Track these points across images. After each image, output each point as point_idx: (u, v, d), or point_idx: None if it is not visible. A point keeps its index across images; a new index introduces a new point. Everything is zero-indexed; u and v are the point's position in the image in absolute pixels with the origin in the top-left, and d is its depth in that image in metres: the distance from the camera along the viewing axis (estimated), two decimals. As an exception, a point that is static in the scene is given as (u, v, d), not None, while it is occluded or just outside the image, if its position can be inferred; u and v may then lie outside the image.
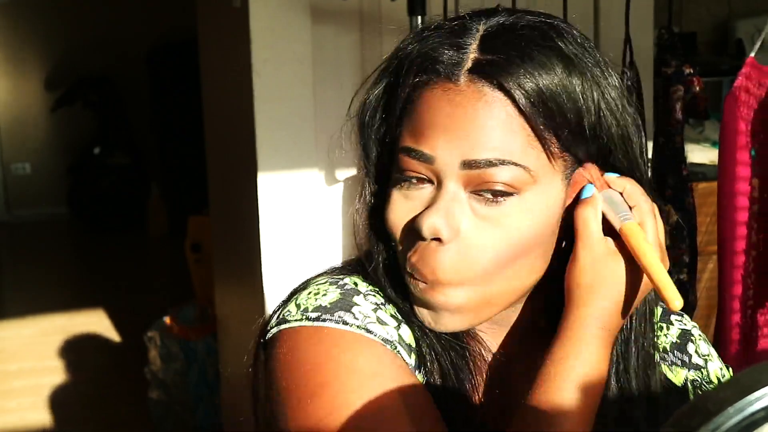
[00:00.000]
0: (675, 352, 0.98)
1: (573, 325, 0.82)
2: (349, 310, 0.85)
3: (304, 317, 0.85)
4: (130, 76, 6.91)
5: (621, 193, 0.86)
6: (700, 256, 2.68)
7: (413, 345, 0.88)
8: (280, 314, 0.88)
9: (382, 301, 0.89)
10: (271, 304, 2.40)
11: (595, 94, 0.84)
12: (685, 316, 1.02)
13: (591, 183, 0.86)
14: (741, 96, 1.85)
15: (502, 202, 0.83)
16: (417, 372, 0.87)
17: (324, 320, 0.84)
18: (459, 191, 0.83)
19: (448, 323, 0.86)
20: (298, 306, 0.87)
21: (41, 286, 5.63)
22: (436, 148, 0.82)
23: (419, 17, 2.01)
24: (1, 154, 7.19)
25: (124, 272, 5.85)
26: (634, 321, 0.91)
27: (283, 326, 0.86)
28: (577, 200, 0.86)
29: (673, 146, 2.12)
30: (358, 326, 0.84)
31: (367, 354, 0.83)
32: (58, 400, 4.03)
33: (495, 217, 0.83)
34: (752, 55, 1.89)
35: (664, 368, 0.97)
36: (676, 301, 0.78)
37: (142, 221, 6.68)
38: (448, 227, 0.82)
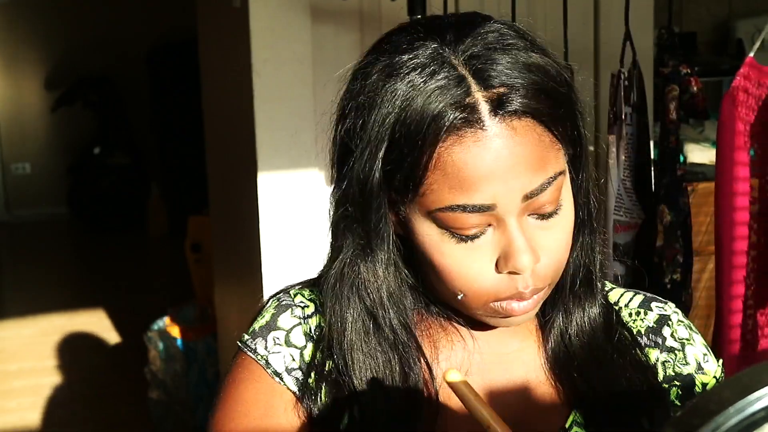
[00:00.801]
0: (650, 335, 1.01)
1: None
2: (265, 337, 0.96)
3: (242, 339, 0.98)
4: (130, 76, 6.91)
5: None
6: (701, 255, 2.68)
7: (311, 360, 0.95)
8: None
9: (308, 314, 0.97)
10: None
11: (571, 84, 0.89)
12: (669, 303, 1.04)
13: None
14: (739, 96, 1.85)
15: (555, 213, 0.88)
16: (314, 389, 0.94)
17: (246, 345, 0.97)
18: (521, 220, 0.86)
19: (524, 321, 0.93)
20: (250, 327, 0.99)
21: (41, 286, 5.63)
22: (495, 195, 0.84)
23: (419, 17, 2.01)
24: (1, 154, 7.20)
25: (124, 272, 5.85)
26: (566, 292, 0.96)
27: (239, 342, 0.99)
28: None
29: (667, 146, 2.12)
30: (261, 356, 0.95)
31: (255, 387, 0.95)
32: (58, 400, 4.03)
33: (554, 224, 0.88)
34: (751, 55, 1.89)
35: (638, 350, 1.00)
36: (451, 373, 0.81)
37: (142, 221, 6.68)
38: (536, 254, 0.87)
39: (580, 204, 0.93)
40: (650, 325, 1.01)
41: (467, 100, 0.83)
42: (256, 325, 0.98)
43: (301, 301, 0.98)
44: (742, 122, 1.86)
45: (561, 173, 0.87)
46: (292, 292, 0.99)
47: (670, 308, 1.03)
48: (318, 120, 2.53)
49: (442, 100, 0.83)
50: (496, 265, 0.87)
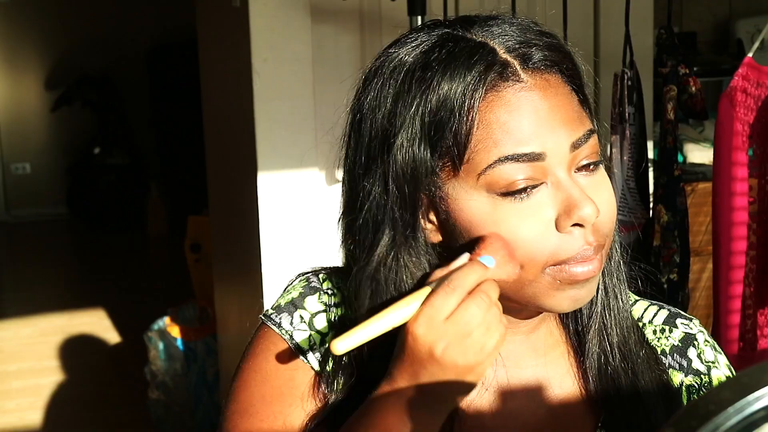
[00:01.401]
0: (675, 355, 0.98)
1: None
2: (292, 313, 0.95)
3: (266, 313, 0.96)
4: (129, 75, 6.90)
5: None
6: (701, 255, 2.68)
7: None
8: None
9: (334, 302, 0.95)
10: (270, 304, 2.40)
11: (579, 58, 0.92)
12: (694, 320, 1.01)
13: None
14: (737, 97, 1.85)
15: (597, 169, 0.88)
16: (331, 376, 0.92)
17: (270, 319, 0.95)
18: (570, 174, 0.85)
19: (589, 294, 0.88)
20: (276, 301, 0.98)
21: (41, 286, 5.63)
22: (544, 142, 0.84)
23: (419, 17, 2.01)
24: (1, 154, 7.19)
25: (124, 272, 5.85)
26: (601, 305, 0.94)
27: (263, 315, 0.97)
28: None
29: (665, 146, 2.12)
30: (286, 331, 0.94)
31: (277, 359, 0.94)
32: (58, 400, 4.02)
33: (598, 183, 0.87)
34: (750, 55, 1.89)
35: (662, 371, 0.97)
36: (338, 344, 0.80)
37: (142, 221, 6.68)
38: (596, 206, 0.85)
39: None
40: (675, 344, 0.98)
41: (497, 58, 0.85)
42: (282, 301, 0.96)
43: (329, 288, 0.96)
44: (740, 123, 1.86)
45: (595, 131, 0.88)
46: (321, 276, 0.98)
47: (695, 326, 1.00)
48: (318, 119, 2.54)
49: (473, 65, 0.84)
50: (557, 223, 0.84)
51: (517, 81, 0.84)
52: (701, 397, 0.57)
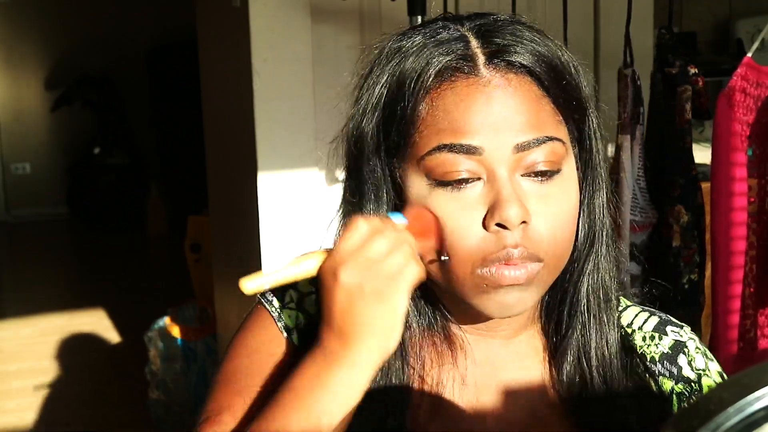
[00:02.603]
0: (664, 362, 0.96)
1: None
2: (284, 292, 0.97)
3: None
4: (129, 75, 6.91)
5: None
6: (702, 255, 2.68)
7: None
8: None
9: None
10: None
11: (579, 72, 0.89)
12: (685, 327, 1.00)
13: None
14: (736, 97, 1.85)
15: (549, 181, 0.85)
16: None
17: (264, 296, 0.98)
18: (512, 176, 0.84)
19: (527, 302, 0.86)
20: None
21: (41, 286, 5.63)
22: (483, 138, 0.83)
23: (419, 17, 2.01)
24: (1, 154, 7.19)
25: (124, 272, 5.85)
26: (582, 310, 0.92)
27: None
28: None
29: (683, 146, 2.12)
30: (275, 309, 0.97)
31: (263, 335, 0.96)
32: (58, 400, 4.02)
33: (549, 195, 0.85)
34: (749, 55, 1.88)
35: (650, 379, 0.96)
36: (246, 283, 0.82)
37: (142, 221, 6.68)
38: (526, 211, 0.83)
39: (591, 218, 0.91)
40: (665, 352, 0.97)
41: (465, 51, 0.85)
42: None
43: None
44: (738, 123, 1.85)
45: (559, 141, 0.85)
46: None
47: (686, 333, 0.99)
48: (318, 119, 2.54)
49: (440, 52, 0.85)
50: (484, 221, 0.84)
51: (474, 75, 0.84)
52: (701, 397, 0.57)
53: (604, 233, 0.92)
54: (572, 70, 0.88)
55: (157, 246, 6.47)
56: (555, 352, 0.94)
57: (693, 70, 2.07)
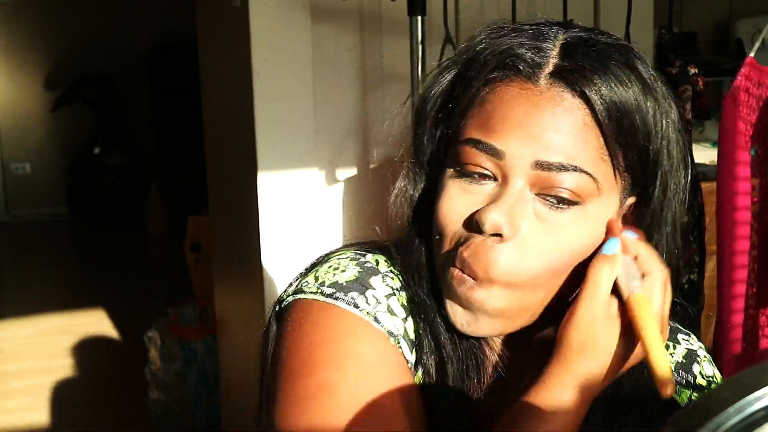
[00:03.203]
0: (680, 371, 0.97)
1: (553, 380, 0.80)
2: (363, 293, 0.85)
3: (319, 291, 0.85)
4: (129, 75, 6.90)
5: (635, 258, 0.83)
6: (702, 255, 2.68)
7: (415, 340, 0.87)
8: (297, 284, 0.89)
9: (399, 286, 0.88)
10: (270, 305, 2.40)
11: (664, 122, 0.85)
12: (692, 335, 1.00)
13: (617, 237, 0.83)
14: (740, 96, 1.85)
15: (565, 209, 0.82)
16: (415, 369, 0.87)
17: (337, 298, 0.84)
18: (525, 191, 0.82)
19: (483, 327, 0.85)
20: (316, 278, 0.87)
21: (41, 286, 5.63)
22: (509, 143, 0.82)
23: (419, 17, 2.01)
24: (1, 154, 7.19)
25: (124, 272, 5.85)
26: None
27: (298, 296, 0.86)
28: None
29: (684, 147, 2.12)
30: (367, 312, 0.84)
31: (368, 344, 0.83)
32: (58, 400, 4.02)
33: (556, 223, 0.82)
34: (751, 55, 1.88)
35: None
36: (667, 387, 0.74)
37: (142, 221, 6.68)
38: (510, 225, 0.82)
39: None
40: (680, 361, 0.97)
41: (540, 58, 0.83)
42: (339, 278, 0.86)
43: (386, 271, 0.89)
44: (743, 122, 1.86)
45: (588, 175, 0.82)
46: (370, 257, 0.90)
47: (695, 341, 0.99)
48: (318, 119, 2.54)
49: (519, 47, 0.84)
50: (471, 214, 0.84)
51: (532, 81, 0.82)
52: (701, 397, 0.57)
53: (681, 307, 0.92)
54: (649, 118, 0.83)
55: (157, 246, 6.47)
56: None
57: (693, 70, 2.07)
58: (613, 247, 0.82)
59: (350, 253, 0.90)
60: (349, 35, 2.46)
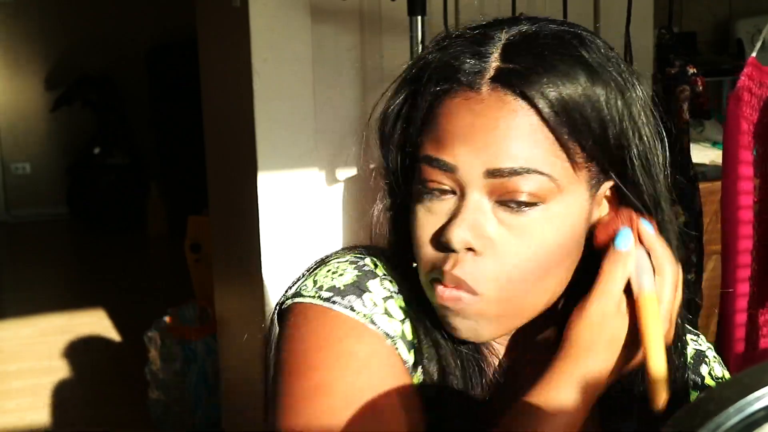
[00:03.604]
0: (687, 372, 0.96)
1: (558, 377, 0.80)
2: (360, 296, 0.86)
3: (317, 295, 0.87)
4: (129, 75, 6.90)
5: (649, 254, 0.82)
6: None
7: (414, 341, 0.87)
8: (296, 287, 0.90)
9: (396, 289, 0.89)
10: (271, 305, 2.40)
11: (619, 103, 0.83)
12: (701, 335, 1.00)
13: (629, 228, 0.82)
14: (744, 96, 1.85)
15: (527, 212, 0.82)
16: (413, 370, 0.87)
17: (334, 302, 0.85)
18: (482, 201, 0.82)
19: (482, 333, 0.85)
20: (315, 282, 0.88)
21: (41, 286, 5.63)
22: (458, 157, 0.82)
23: (419, 17, 2.01)
24: (1, 154, 7.19)
25: (124, 272, 5.85)
26: None
27: (297, 299, 0.88)
28: (606, 233, 0.84)
29: (680, 146, 2.12)
30: (364, 315, 0.85)
31: (363, 345, 0.84)
32: (58, 400, 4.02)
33: (521, 227, 0.82)
34: (753, 55, 1.89)
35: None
36: (660, 397, 0.74)
37: (142, 221, 6.68)
38: (476, 237, 0.82)
39: None
40: (689, 361, 0.96)
41: (481, 64, 0.83)
42: (336, 282, 0.87)
43: (384, 274, 0.90)
44: (746, 121, 1.86)
45: (543, 175, 0.81)
46: (369, 260, 0.91)
47: (703, 342, 0.99)
48: (318, 119, 2.54)
49: (460, 58, 0.84)
50: (436, 235, 0.84)
51: (474, 90, 0.82)
52: (701, 397, 0.57)
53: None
54: (602, 105, 0.82)
55: (157, 246, 6.47)
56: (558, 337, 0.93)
57: (692, 70, 2.07)
58: (626, 242, 0.81)
59: (349, 257, 0.91)
60: (349, 35, 2.46)
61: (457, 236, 0.81)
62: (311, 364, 0.83)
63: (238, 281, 2.88)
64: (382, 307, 0.86)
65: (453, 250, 0.82)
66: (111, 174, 6.72)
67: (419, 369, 0.87)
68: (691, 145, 3.18)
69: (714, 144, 3.24)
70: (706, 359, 0.98)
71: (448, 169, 0.82)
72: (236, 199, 2.72)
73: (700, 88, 2.08)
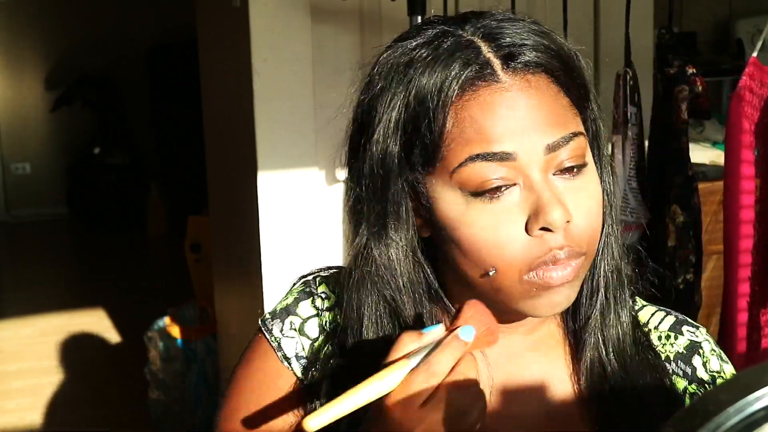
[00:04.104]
0: (678, 362, 0.97)
1: None
2: (284, 319, 0.97)
3: (263, 318, 0.98)
4: (129, 75, 6.90)
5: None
6: (702, 255, 2.68)
7: (320, 354, 0.95)
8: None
9: (329, 306, 0.96)
10: (270, 304, 2.40)
11: (580, 58, 0.89)
12: (701, 328, 1.00)
13: (472, 327, 0.81)
14: (745, 95, 1.85)
15: (580, 174, 0.86)
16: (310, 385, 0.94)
17: (264, 324, 0.98)
18: (546, 177, 0.84)
19: (571, 299, 0.87)
20: (275, 305, 1.00)
21: (40, 286, 5.63)
22: (516, 142, 0.83)
23: (419, 17, 2.01)
24: (1, 154, 7.19)
25: (124, 272, 5.85)
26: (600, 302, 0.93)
27: (260, 320, 0.99)
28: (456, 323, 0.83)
29: (679, 146, 2.11)
30: (275, 338, 0.96)
31: (261, 369, 0.96)
32: (57, 400, 4.02)
33: (580, 188, 0.86)
34: (754, 54, 1.89)
35: (664, 377, 0.96)
36: (309, 421, 0.76)
37: (142, 221, 6.68)
38: (567, 210, 0.84)
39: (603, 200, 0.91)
40: (680, 351, 0.97)
41: (479, 58, 0.84)
42: (279, 306, 0.99)
43: (323, 292, 0.97)
44: (748, 121, 1.86)
45: (582, 134, 0.86)
46: (318, 278, 0.99)
47: (702, 334, 0.99)
48: (318, 119, 2.54)
49: (453, 63, 0.84)
50: (527, 226, 0.83)
51: (495, 81, 0.83)
52: (701, 397, 0.57)
53: (613, 214, 0.93)
54: (575, 58, 0.88)
55: (157, 246, 6.47)
56: (574, 340, 0.95)
57: (691, 70, 2.07)
58: (469, 336, 0.81)
59: (309, 279, 0.99)
60: (349, 35, 2.46)
61: (557, 216, 0.82)
62: (232, 379, 0.98)
63: (238, 281, 2.88)
64: (296, 329, 0.96)
65: (550, 232, 0.83)
66: (111, 174, 6.72)
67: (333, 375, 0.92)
68: (691, 145, 3.19)
69: (714, 144, 3.24)
70: (700, 350, 0.98)
71: (507, 158, 0.83)
72: (236, 199, 2.72)
73: (700, 88, 2.08)
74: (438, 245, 0.89)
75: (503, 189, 0.83)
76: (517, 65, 0.84)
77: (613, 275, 0.93)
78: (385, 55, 0.89)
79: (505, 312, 0.88)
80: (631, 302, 0.96)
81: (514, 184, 0.83)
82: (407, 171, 0.87)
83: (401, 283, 0.89)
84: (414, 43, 0.87)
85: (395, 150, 0.86)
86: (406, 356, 0.80)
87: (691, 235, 2.11)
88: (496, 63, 0.84)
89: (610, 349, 0.93)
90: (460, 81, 0.83)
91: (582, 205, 0.85)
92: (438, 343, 0.80)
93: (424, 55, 0.85)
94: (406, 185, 0.88)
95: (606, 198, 0.92)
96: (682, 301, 2.01)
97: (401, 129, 0.86)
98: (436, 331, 0.81)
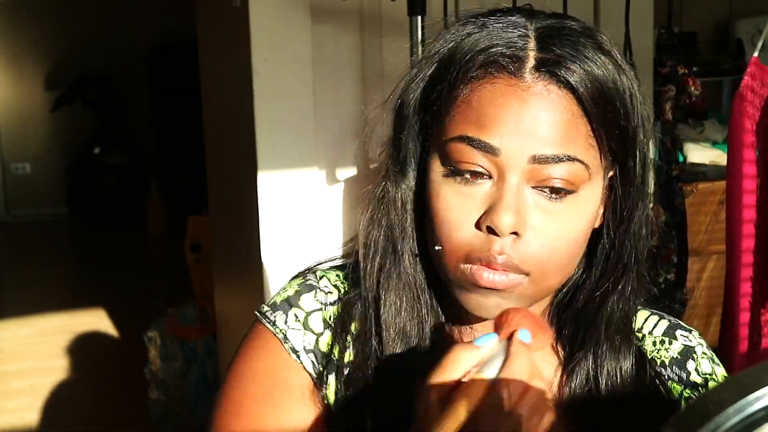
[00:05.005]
0: (674, 367, 0.97)
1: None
2: (287, 311, 0.94)
3: (260, 310, 0.96)
4: (129, 75, 6.90)
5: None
6: (701, 255, 2.68)
7: (328, 352, 0.92)
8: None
9: (332, 300, 0.94)
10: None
11: (636, 98, 0.87)
12: (693, 331, 1.00)
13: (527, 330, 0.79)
14: (747, 95, 1.85)
15: (562, 199, 0.85)
16: (323, 379, 0.91)
17: (265, 316, 0.94)
18: (522, 186, 0.84)
19: (496, 309, 0.85)
20: (272, 298, 0.97)
21: (40, 286, 5.63)
22: (504, 140, 0.83)
23: (419, 17, 2.01)
24: (1, 154, 7.19)
25: (124, 272, 5.85)
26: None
27: (257, 312, 0.96)
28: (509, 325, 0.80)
29: (664, 145, 2.12)
30: (280, 330, 0.93)
31: (266, 360, 0.93)
32: (57, 400, 4.02)
33: (557, 212, 0.85)
34: (755, 55, 1.89)
35: (660, 384, 0.96)
36: None
37: (142, 221, 6.68)
38: (520, 221, 0.83)
39: (624, 246, 0.90)
40: (675, 356, 0.97)
41: (519, 53, 0.84)
42: (278, 299, 0.95)
43: (326, 286, 0.96)
44: (749, 120, 1.86)
45: (581, 163, 0.84)
46: (318, 273, 0.97)
47: (695, 338, 0.99)
48: (318, 120, 2.54)
49: (496, 44, 0.85)
50: (479, 220, 0.84)
51: (517, 77, 0.84)
52: (701, 397, 0.57)
53: (637, 263, 0.92)
54: (626, 97, 0.86)
55: (157, 246, 6.47)
56: (566, 363, 0.94)
57: (683, 71, 2.07)
58: (527, 337, 0.79)
59: (308, 273, 0.98)
60: (349, 35, 2.46)
61: (506, 221, 0.83)
62: (231, 372, 0.94)
63: (238, 281, 2.88)
64: (302, 321, 0.93)
65: (496, 234, 0.84)
66: (111, 174, 6.73)
67: (340, 372, 0.91)
68: (692, 145, 3.19)
69: (714, 144, 3.24)
70: (693, 355, 0.98)
71: (491, 151, 0.83)
72: (236, 199, 2.72)
73: (692, 88, 2.08)
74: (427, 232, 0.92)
75: (478, 176, 0.84)
76: (546, 72, 0.83)
77: (618, 324, 0.92)
78: (458, 18, 0.92)
79: (456, 303, 0.90)
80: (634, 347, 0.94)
81: (490, 177, 0.84)
82: (418, 126, 0.90)
83: (407, 224, 0.92)
84: (486, 16, 0.88)
85: (418, 93, 0.89)
86: (477, 372, 0.76)
87: (674, 235, 2.11)
88: (530, 62, 0.84)
89: (602, 384, 0.92)
90: (487, 60, 0.85)
91: (548, 228, 0.84)
92: (496, 353, 0.77)
93: (483, 25, 0.87)
94: (415, 140, 0.91)
95: (631, 242, 0.91)
96: (663, 301, 2.02)
97: (425, 83, 0.89)
98: (491, 342, 0.78)
